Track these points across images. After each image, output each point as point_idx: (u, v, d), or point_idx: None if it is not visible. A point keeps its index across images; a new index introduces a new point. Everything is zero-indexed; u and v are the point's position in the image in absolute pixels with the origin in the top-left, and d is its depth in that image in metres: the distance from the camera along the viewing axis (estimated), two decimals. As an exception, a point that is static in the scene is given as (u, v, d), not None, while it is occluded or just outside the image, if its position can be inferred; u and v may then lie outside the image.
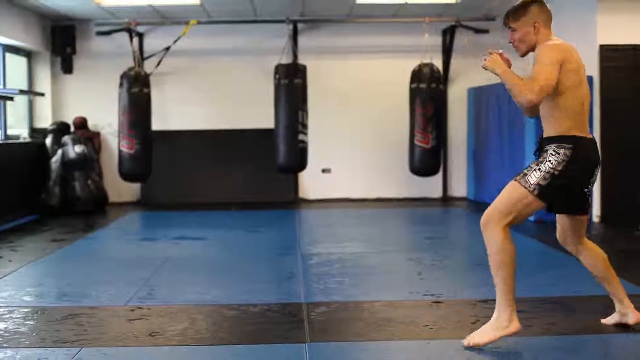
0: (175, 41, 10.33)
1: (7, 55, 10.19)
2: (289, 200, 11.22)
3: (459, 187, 11.59)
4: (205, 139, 11.28)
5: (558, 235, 4.36)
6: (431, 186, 11.46)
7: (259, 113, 10.90)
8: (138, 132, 9.77)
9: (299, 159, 9.91)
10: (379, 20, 11.02)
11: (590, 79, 8.84)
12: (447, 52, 11.12)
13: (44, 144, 10.42)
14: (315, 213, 10.31)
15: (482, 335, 3.96)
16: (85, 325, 4.50)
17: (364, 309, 4.87)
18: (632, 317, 4.22)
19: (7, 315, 4.75)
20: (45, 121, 11.06)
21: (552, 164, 3.89)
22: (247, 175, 11.19)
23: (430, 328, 4.39)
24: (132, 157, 9.81)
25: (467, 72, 11.37)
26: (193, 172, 11.17)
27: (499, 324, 3.93)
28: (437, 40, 11.06)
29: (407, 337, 4.21)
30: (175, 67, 11.08)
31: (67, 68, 11.20)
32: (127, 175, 10.02)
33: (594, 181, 4.09)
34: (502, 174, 9.96)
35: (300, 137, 9.77)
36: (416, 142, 10.14)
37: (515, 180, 3.95)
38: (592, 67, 8.87)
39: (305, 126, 9.84)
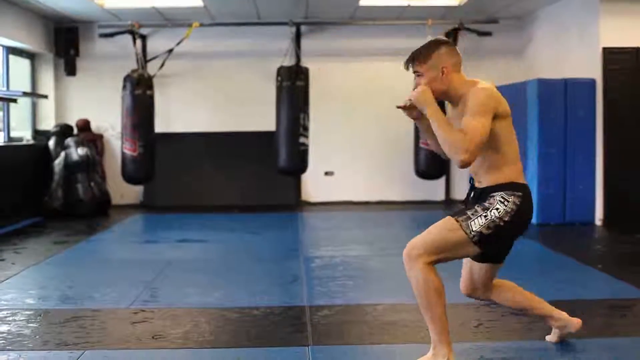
0: (179, 43, 10.33)
1: (11, 57, 10.20)
2: (291, 203, 11.22)
3: (462, 190, 11.56)
4: (208, 142, 11.29)
5: (464, 286, 3.99)
6: (434, 189, 11.45)
7: (262, 115, 10.90)
8: (141, 134, 9.77)
9: (299, 161, 9.90)
10: (381, 22, 11.02)
11: (592, 82, 8.85)
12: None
13: (47, 146, 10.42)
14: (318, 216, 10.31)
15: None
16: (88, 328, 4.51)
17: (366, 312, 4.87)
18: (572, 326, 4.03)
19: (10, 318, 4.75)
20: (48, 123, 11.07)
21: (499, 213, 3.57)
22: (250, 178, 11.19)
23: (433, 331, 4.38)
24: (135, 160, 9.81)
25: (469, 75, 11.30)
26: (196, 175, 11.17)
27: None
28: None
29: (410, 340, 4.21)
30: (178, 70, 11.09)
31: (70, 70, 11.21)
32: (130, 177, 10.02)
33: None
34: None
35: (301, 139, 9.77)
36: (421, 145, 10.13)
37: (457, 221, 3.61)
38: (594, 70, 8.87)
39: (306, 129, 9.84)
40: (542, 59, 10.66)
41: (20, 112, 10.84)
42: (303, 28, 11.01)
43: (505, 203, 3.60)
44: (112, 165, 11.00)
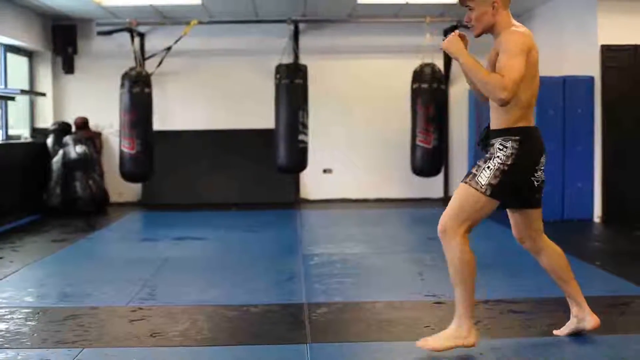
0: (177, 41, 10.32)
1: (8, 55, 10.19)
2: (290, 201, 11.22)
3: (460, 188, 11.57)
4: (207, 139, 11.28)
5: (514, 232, 4.16)
6: (432, 186, 11.45)
7: (260, 113, 10.90)
8: (139, 132, 9.75)
9: (299, 159, 9.90)
10: (380, 20, 11.02)
11: (591, 79, 8.85)
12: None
13: (45, 144, 10.41)
14: (316, 213, 10.31)
15: (441, 341, 3.79)
16: (86, 325, 4.51)
17: (365, 309, 4.87)
18: (589, 322, 4.07)
19: (9, 316, 4.75)
20: (46, 121, 11.06)
21: (500, 159, 3.72)
22: (248, 176, 11.19)
23: (432, 329, 4.37)
24: (133, 158, 9.79)
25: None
26: (194, 172, 11.17)
27: (459, 334, 3.77)
28: (439, 40, 10.97)
29: (408, 338, 4.20)
30: (177, 68, 11.08)
31: (69, 68, 11.21)
32: (128, 175, 10.01)
33: (543, 170, 3.87)
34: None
35: (301, 137, 9.76)
36: (418, 143, 10.12)
37: (465, 182, 3.78)
38: (593, 67, 8.87)
39: (305, 126, 9.83)
40: (540, 56, 10.63)
41: (18, 110, 10.84)
42: (301, 26, 11.01)
43: (504, 149, 3.74)
44: (111, 163, 10.99)
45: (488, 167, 3.74)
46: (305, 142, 9.83)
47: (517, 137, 3.74)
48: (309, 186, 11.54)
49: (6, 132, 10.21)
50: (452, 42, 3.88)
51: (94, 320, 4.65)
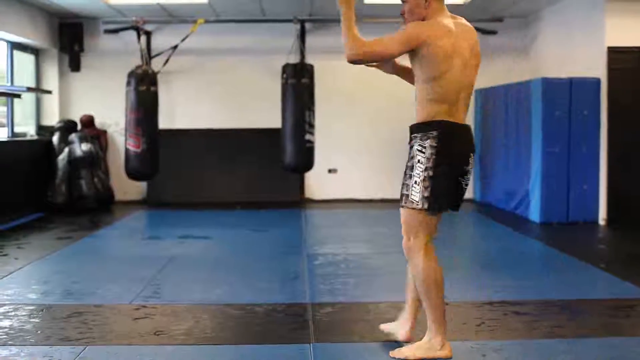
0: (183, 40, 10.32)
1: (15, 52, 10.21)
2: (294, 200, 11.21)
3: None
4: (212, 138, 11.29)
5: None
6: (437, 187, 11.42)
7: (265, 112, 10.90)
8: (145, 130, 9.74)
9: (306, 158, 9.88)
10: (386, 20, 10.96)
11: (597, 81, 8.83)
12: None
13: (50, 141, 10.43)
14: (320, 213, 10.31)
15: (414, 351, 3.81)
16: (90, 323, 4.51)
17: (369, 310, 4.87)
18: (401, 335, 4.03)
19: (13, 313, 4.76)
20: (52, 119, 11.08)
21: (422, 165, 3.72)
22: (253, 175, 11.19)
23: (435, 330, 4.38)
24: (139, 156, 9.79)
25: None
26: (199, 171, 11.17)
27: (432, 346, 3.78)
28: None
29: (412, 338, 4.20)
30: (183, 66, 11.09)
31: (75, 66, 11.22)
32: (133, 173, 10.00)
33: (471, 171, 3.84)
34: (508, 176, 9.96)
35: (307, 136, 9.75)
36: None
37: (403, 207, 3.80)
38: (599, 69, 8.85)
39: (312, 126, 9.81)
40: (546, 58, 10.64)
41: (24, 107, 10.86)
42: (308, 25, 10.99)
43: (423, 150, 3.74)
44: (116, 161, 11.00)
45: (415, 182, 3.74)
46: (311, 142, 9.81)
47: (434, 133, 3.71)
48: (314, 186, 11.53)
49: (12, 129, 10.23)
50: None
51: (97, 317, 4.66)
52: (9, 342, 4.11)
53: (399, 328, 4.08)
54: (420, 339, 3.87)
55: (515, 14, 10.93)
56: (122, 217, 9.80)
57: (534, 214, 9.06)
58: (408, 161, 3.82)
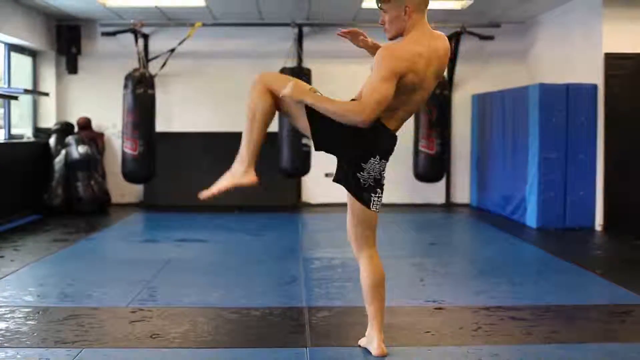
0: (181, 43, 10.34)
1: (12, 54, 10.20)
2: (291, 204, 11.22)
3: (462, 194, 11.58)
4: (209, 141, 11.28)
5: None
6: (434, 192, 11.45)
7: (262, 116, 10.89)
8: (142, 133, 9.77)
9: (302, 162, 9.90)
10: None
11: (594, 87, 8.85)
12: (452, 58, 11.11)
13: (47, 143, 10.43)
14: (317, 217, 10.31)
15: (221, 181, 4.17)
16: (86, 326, 4.51)
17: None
18: (374, 349, 3.92)
19: (9, 315, 4.75)
20: (49, 121, 11.08)
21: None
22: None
23: (432, 334, 4.38)
24: (136, 159, 9.81)
25: (471, 79, 11.39)
26: (196, 174, 11.11)
27: (234, 172, 4.24)
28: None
29: (408, 343, 4.21)
30: (180, 69, 11.09)
31: (72, 68, 11.21)
32: (130, 176, 10.03)
33: (376, 177, 3.89)
34: (505, 181, 9.97)
35: (304, 140, 9.76)
36: (420, 148, 10.14)
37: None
38: (596, 75, 8.86)
39: (309, 130, 9.81)
40: (544, 64, 10.66)
41: (21, 109, 10.85)
42: (305, 29, 11.01)
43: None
44: (113, 164, 11.00)
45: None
46: (308, 146, 9.83)
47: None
48: (311, 190, 11.53)
49: (9, 131, 10.22)
50: (294, 88, 3.86)
51: (94, 320, 4.65)
52: (5, 345, 4.10)
53: (367, 341, 4.01)
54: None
55: (513, 20, 10.95)
56: (118, 219, 9.79)
57: (531, 219, 9.07)
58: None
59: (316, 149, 3.96)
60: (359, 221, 3.92)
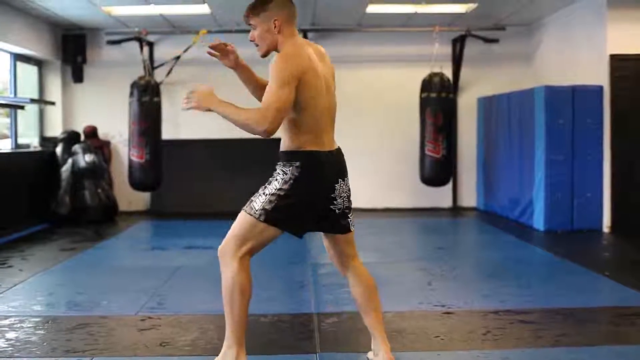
0: (186, 50, 10.35)
1: (18, 64, 10.24)
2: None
3: (469, 197, 11.56)
4: (215, 148, 11.29)
5: (328, 255, 4.00)
6: (441, 196, 11.43)
7: (268, 122, 10.90)
8: (148, 141, 9.79)
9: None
10: (389, 29, 11.03)
11: (600, 89, 8.84)
12: (457, 61, 11.12)
13: (54, 152, 10.44)
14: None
15: None
16: (95, 335, 4.51)
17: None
18: (382, 358, 3.78)
19: (18, 325, 4.76)
20: (55, 130, 11.11)
21: (277, 184, 3.66)
22: (257, 185, 10.95)
23: (441, 339, 4.38)
24: (142, 167, 9.83)
25: (477, 82, 11.38)
26: (203, 181, 11.17)
27: (226, 356, 3.77)
28: (447, 49, 11.06)
29: (417, 348, 4.20)
30: (186, 76, 11.10)
31: (78, 77, 11.25)
32: (137, 184, 10.04)
33: (344, 196, 3.78)
34: (512, 184, 9.96)
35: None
36: (427, 152, 10.14)
37: (244, 210, 3.75)
38: (602, 77, 8.85)
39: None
40: (549, 66, 10.65)
41: (27, 118, 10.88)
42: (310, 35, 11.02)
43: (283, 175, 3.67)
44: (120, 172, 11.02)
45: (264, 193, 3.70)
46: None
47: (297, 163, 3.65)
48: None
49: (16, 140, 10.25)
50: (201, 96, 3.92)
51: (103, 329, 4.66)
52: (15, 354, 4.11)
53: (374, 353, 3.88)
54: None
55: (518, 22, 10.95)
56: (126, 227, 9.80)
57: (538, 222, 9.05)
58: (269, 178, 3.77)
59: (300, 236, 3.87)
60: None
